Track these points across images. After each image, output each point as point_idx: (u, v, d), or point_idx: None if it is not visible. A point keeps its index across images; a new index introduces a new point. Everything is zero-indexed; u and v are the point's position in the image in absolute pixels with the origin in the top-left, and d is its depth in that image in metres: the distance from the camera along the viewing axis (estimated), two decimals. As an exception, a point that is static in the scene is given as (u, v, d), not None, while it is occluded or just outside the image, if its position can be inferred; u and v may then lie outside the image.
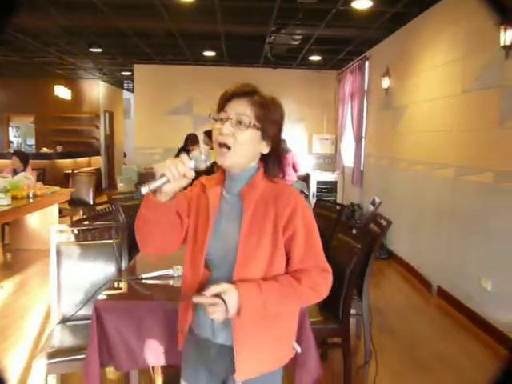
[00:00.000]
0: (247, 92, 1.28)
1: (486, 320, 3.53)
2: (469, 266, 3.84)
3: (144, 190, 1.17)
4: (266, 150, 1.32)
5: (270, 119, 1.28)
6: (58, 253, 2.48)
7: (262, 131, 1.28)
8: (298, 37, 6.11)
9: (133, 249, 2.81)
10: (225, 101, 1.29)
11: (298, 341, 1.99)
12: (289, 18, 5.21)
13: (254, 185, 1.31)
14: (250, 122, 1.25)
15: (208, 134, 6.25)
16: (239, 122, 1.25)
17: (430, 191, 4.63)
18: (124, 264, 2.59)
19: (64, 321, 2.44)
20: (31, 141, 11.94)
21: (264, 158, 1.34)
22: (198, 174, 1.26)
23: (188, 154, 1.21)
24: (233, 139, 1.24)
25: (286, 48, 6.81)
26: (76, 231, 2.55)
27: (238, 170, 1.32)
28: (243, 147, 1.26)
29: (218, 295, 1.18)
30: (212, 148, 1.31)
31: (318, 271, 1.29)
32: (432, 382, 2.92)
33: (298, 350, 1.43)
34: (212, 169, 1.42)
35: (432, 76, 4.62)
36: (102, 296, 2.09)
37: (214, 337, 1.34)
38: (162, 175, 1.17)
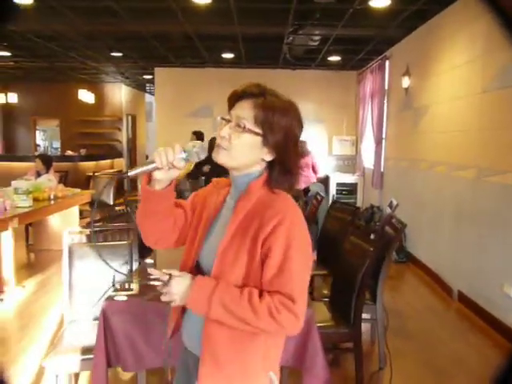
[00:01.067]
0: (255, 93, 1.20)
1: (509, 326, 3.40)
2: (491, 270, 3.71)
3: (130, 172, 1.17)
4: (268, 157, 1.21)
5: (272, 124, 1.17)
6: (71, 254, 2.51)
7: (263, 137, 1.18)
8: (317, 37, 6.05)
9: (144, 250, 2.84)
10: (233, 101, 1.24)
11: (305, 346, 1.98)
12: (306, 19, 5.17)
13: (249, 192, 1.22)
14: (245, 127, 1.17)
15: (196, 134, 6.37)
16: (238, 126, 1.18)
17: (450, 192, 4.51)
18: (135, 265, 2.60)
19: (75, 321, 2.47)
20: (57, 144, 12.24)
21: (270, 166, 1.24)
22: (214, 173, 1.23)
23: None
24: (228, 142, 1.19)
25: (304, 49, 6.76)
26: (88, 232, 2.58)
27: (237, 173, 1.25)
28: (239, 151, 1.19)
29: (170, 275, 1.15)
30: None
31: (283, 299, 1.12)
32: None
33: (276, 382, 1.25)
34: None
35: (452, 75, 4.50)
36: (109, 297, 2.11)
37: (189, 345, 1.30)
38: (152, 161, 1.16)
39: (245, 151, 1.19)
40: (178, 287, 1.14)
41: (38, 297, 4.24)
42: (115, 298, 2.11)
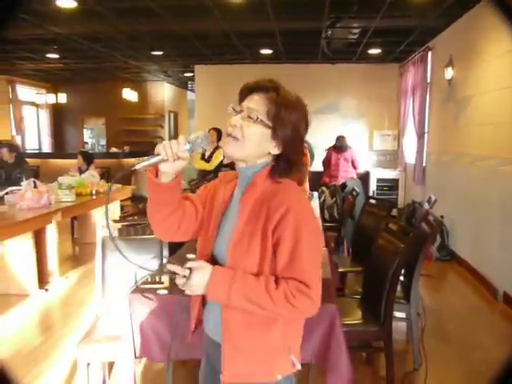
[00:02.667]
0: (267, 87, 1.23)
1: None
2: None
3: (138, 166, 1.20)
4: (275, 150, 1.25)
5: (283, 119, 1.21)
6: (104, 247, 2.60)
7: (273, 130, 1.22)
8: (356, 30, 5.92)
9: (175, 244, 2.89)
10: (245, 94, 1.27)
11: (328, 345, 1.94)
12: (343, 11, 5.06)
13: (254, 184, 1.26)
14: (258, 118, 1.21)
15: (216, 130, 6.44)
16: (249, 117, 1.22)
17: (496, 188, 4.29)
18: (165, 259, 2.66)
19: (108, 311, 2.56)
20: (103, 141, 12.71)
21: (276, 159, 1.27)
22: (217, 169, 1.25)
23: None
24: (240, 131, 1.22)
25: (343, 42, 6.64)
26: (120, 226, 2.66)
27: (243, 165, 1.28)
28: (249, 141, 1.22)
29: (190, 269, 1.18)
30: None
31: (298, 284, 1.16)
32: (487, 394, 2.70)
33: (298, 366, 1.30)
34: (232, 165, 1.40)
35: (499, 64, 4.27)
36: (135, 289, 2.16)
37: (211, 332, 1.34)
38: (158, 154, 1.18)
39: (254, 142, 1.23)
40: (198, 280, 1.17)
41: (79, 288, 4.42)
42: (142, 290, 2.15)
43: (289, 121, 1.22)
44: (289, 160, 1.25)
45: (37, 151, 11.26)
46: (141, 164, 1.20)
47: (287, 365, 1.28)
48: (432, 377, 2.76)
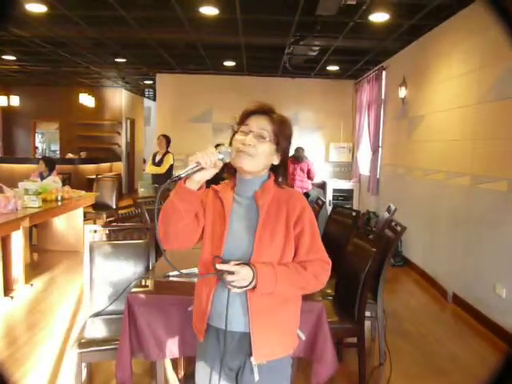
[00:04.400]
0: (266, 111, 1.50)
1: (501, 326, 3.59)
2: (484, 273, 3.91)
3: (182, 174, 1.34)
4: (276, 161, 1.52)
5: (284, 135, 1.50)
6: (91, 251, 2.66)
7: (277, 145, 1.49)
8: (316, 48, 6.25)
9: (159, 249, 2.98)
10: (246, 115, 1.50)
11: (316, 337, 2.14)
12: (308, 31, 5.37)
13: (267, 189, 1.50)
14: (270, 137, 1.47)
15: (166, 138, 6.81)
16: (260, 136, 1.46)
17: (445, 199, 4.71)
18: (151, 263, 2.75)
19: (96, 314, 2.61)
20: (55, 146, 12.33)
21: (273, 169, 1.54)
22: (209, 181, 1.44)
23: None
24: (254, 149, 1.45)
25: (304, 58, 6.96)
26: (107, 231, 2.73)
27: (250, 176, 1.50)
28: (261, 157, 1.46)
29: (247, 265, 1.38)
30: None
31: (320, 262, 1.48)
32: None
33: (303, 337, 1.60)
34: (221, 174, 1.56)
35: (448, 86, 4.72)
36: (133, 290, 2.25)
37: (231, 325, 1.45)
38: (198, 163, 1.34)
39: (265, 157, 1.48)
40: (246, 275, 1.36)
41: (46, 295, 4.35)
42: (139, 292, 2.25)
43: (287, 135, 1.53)
44: (285, 166, 1.55)
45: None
46: (184, 172, 1.34)
47: (296, 338, 1.58)
48: (395, 369, 3.03)
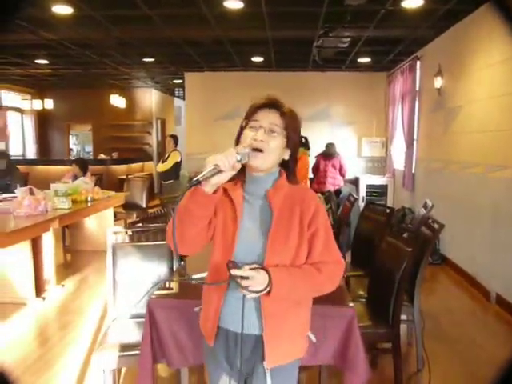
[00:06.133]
0: (275, 104, 1.42)
1: (550, 330, 3.33)
2: (530, 272, 3.64)
3: (199, 176, 1.26)
4: (287, 156, 1.46)
5: (294, 128, 1.44)
6: (114, 253, 2.60)
7: (288, 139, 1.42)
8: (347, 39, 6.04)
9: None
10: (255, 110, 1.42)
11: (347, 345, 2.00)
12: (337, 21, 5.18)
13: (279, 187, 1.44)
14: (281, 132, 1.40)
15: (174, 137, 6.96)
16: (271, 131, 1.39)
17: (486, 194, 4.43)
18: (175, 264, 2.67)
19: (119, 318, 2.56)
20: (89, 148, 12.59)
21: (283, 164, 1.47)
22: None
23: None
24: (266, 145, 1.37)
25: (334, 51, 6.76)
26: (130, 233, 2.67)
27: (262, 174, 1.43)
28: (273, 152, 1.39)
29: (261, 269, 1.31)
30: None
31: (334, 263, 1.44)
32: (489, 393, 2.79)
33: (313, 339, 1.55)
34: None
35: (488, 74, 4.43)
36: (154, 295, 2.17)
37: (243, 328, 1.38)
38: (216, 165, 1.26)
39: (277, 153, 1.41)
40: (262, 280, 1.29)
41: (77, 296, 4.38)
42: (160, 296, 2.17)
43: (297, 128, 1.47)
44: (294, 160, 1.49)
45: (21, 157, 11.08)
46: (203, 175, 1.26)
47: (307, 340, 1.54)
48: (435, 377, 2.83)
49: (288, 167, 1.48)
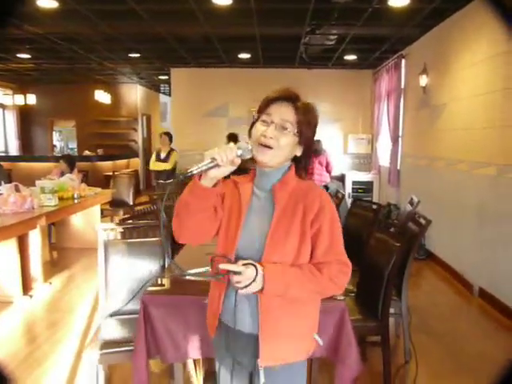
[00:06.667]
0: (290, 97, 1.35)
1: (532, 322, 3.43)
2: (512, 266, 3.74)
3: (194, 170, 1.26)
4: (299, 152, 1.41)
5: (309, 124, 1.37)
6: (105, 250, 2.60)
7: (300, 136, 1.36)
8: (333, 37, 6.10)
9: (175, 246, 2.92)
10: (268, 103, 1.37)
11: (339, 338, 2.04)
12: (324, 19, 5.22)
13: (286, 182, 1.39)
14: (293, 129, 1.34)
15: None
16: (282, 127, 1.34)
17: (470, 190, 4.53)
18: (167, 261, 2.68)
19: (112, 315, 2.56)
20: (73, 144, 12.43)
21: (295, 159, 1.43)
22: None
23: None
24: (276, 142, 1.33)
25: (321, 48, 6.80)
26: (121, 229, 2.66)
27: (271, 169, 1.40)
28: (283, 150, 1.35)
29: (253, 265, 1.27)
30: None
31: (339, 265, 1.35)
32: (473, 382, 2.86)
33: (320, 342, 1.48)
34: (245, 165, 1.47)
35: (472, 72, 4.52)
36: (148, 291, 2.18)
37: (239, 325, 1.39)
38: (213, 159, 1.25)
39: (287, 150, 1.37)
40: (249, 275, 1.26)
41: (64, 293, 4.35)
42: (154, 292, 2.18)
43: (312, 124, 1.39)
44: (307, 156, 1.43)
45: (3, 154, 10.89)
46: (196, 168, 1.25)
47: (312, 343, 1.46)
48: (422, 368, 2.91)
49: (299, 163, 1.43)
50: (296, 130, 1.34)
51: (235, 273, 1.26)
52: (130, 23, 5.50)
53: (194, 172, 1.25)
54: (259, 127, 1.35)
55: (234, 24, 5.52)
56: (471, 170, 4.49)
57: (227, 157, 1.25)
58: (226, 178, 1.38)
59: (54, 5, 4.69)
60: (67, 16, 5.17)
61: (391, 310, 3.02)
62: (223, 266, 1.28)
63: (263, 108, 1.37)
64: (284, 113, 1.34)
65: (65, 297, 4.25)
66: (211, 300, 1.50)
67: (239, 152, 1.28)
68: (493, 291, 4.04)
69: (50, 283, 4.57)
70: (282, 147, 1.34)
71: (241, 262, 1.28)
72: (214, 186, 1.32)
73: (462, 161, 4.71)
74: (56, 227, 5.96)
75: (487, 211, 4.17)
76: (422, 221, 3.07)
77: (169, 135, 7.01)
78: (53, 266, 5.22)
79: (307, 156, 1.43)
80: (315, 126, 1.40)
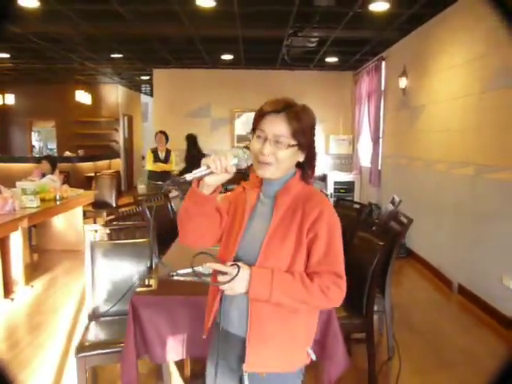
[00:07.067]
0: (281, 109, 1.31)
1: (508, 317, 3.55)
2: (490, 264, 3.86)
3: (188, 176, 1.27)
4: (302, 158, 1.38)
5: (305, 131, 1.33)
6: (92, 251, 2.59)
7: (299, 145, 1.33)
8: (315, 39, 6.17)
9: (161, 247, 2.93)
10: (259, 118, 1.34)
11: (326, 335, 2.09)
12: (306, 22, 5.28)
13: (289, 188, 1.38)
14: (289, 143, 1.31)
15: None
16: (277, 142, 1.31)
17: (449, 189, 4.66)
18: (154, 261, 2.69)
19: (98, 316, 2.55)
20: (52, 145, 12.24)
21: (299, 164, 1.41)
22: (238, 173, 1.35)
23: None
24: (273, 158, 1.32)
25: (302, 50, 6.88)
26: (108, 231, 2.66)
27: (275, 179, 1.39)
28: (282, 163, 1.34)
29: (238, 267, 1.27)
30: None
31: (333, 277, 1.29)
32: (455, 377, 2.96)
33: (313, 357, 1.42)
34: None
35: (450, 75, 4.65)
36: (137, 291, 2.19)
37: (230, 326, 1.40)
38: (208, 166, 1.26)
39: (287, 162, 1.35)
40: (241, 276, 1.26)
41: (47, 296, 4.30)
42: (143, 293, 2.19)
43: (308, 128, 1.35)
44: (312, 158, 1.40)
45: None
46: (191, 175, 1.27)
47: (304, 356, 1.40)
48: (405, 363, 2.99)
49: (304, 167, 1.40)
50: (292, 142, 1.31)
51: (222, 273, 1.27)
52: (112, 24, 5.46)
53: (188, 179, 1.27)
54: (255, 145, 1.34)
55: (216, 26, 5.54)
56: (449, 170, 4.62)
57: (221, 164, 1.26)
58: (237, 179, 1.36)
59: (35, 4, 4.63)
60: (48, 16, 5.11)
61: (374, 308, 3.10)
62: (209, 265, 1.29)
63: (257, 123, 1.35)
64: (276, 127, 1.31)
65: (47, 300, 4.21)
66: (209, 299, 1.50)
67: (235, 161, 1.28)
68: (472, 288, 4.16)
69: (32, 286, 4.51)
70: (280, 161, 1.32)
71: (229, 263, 1.29)
72: (214, 192, 1.33)
73: (441, 161, 4.84)
74: (37, 229, 5.87)
75: (465, 210, 4.30)
76: (404, 220, 3.16)
77: (165, 134, 6.82)
78: (34, 269, 5.14)
79: (311, 158, 1.40)
80: (312, 128, 1.37)
